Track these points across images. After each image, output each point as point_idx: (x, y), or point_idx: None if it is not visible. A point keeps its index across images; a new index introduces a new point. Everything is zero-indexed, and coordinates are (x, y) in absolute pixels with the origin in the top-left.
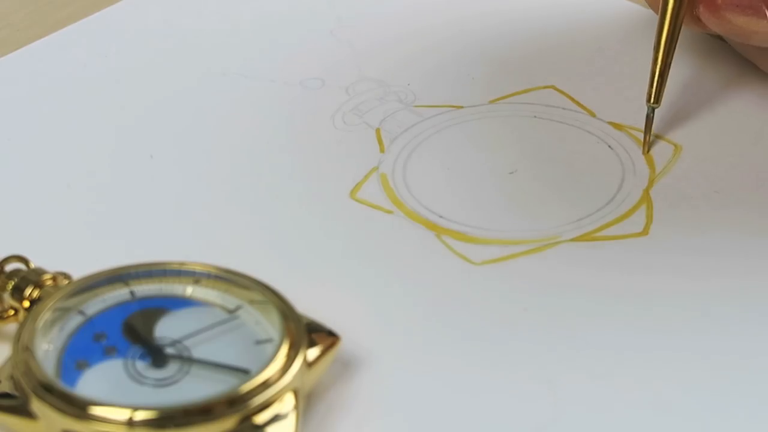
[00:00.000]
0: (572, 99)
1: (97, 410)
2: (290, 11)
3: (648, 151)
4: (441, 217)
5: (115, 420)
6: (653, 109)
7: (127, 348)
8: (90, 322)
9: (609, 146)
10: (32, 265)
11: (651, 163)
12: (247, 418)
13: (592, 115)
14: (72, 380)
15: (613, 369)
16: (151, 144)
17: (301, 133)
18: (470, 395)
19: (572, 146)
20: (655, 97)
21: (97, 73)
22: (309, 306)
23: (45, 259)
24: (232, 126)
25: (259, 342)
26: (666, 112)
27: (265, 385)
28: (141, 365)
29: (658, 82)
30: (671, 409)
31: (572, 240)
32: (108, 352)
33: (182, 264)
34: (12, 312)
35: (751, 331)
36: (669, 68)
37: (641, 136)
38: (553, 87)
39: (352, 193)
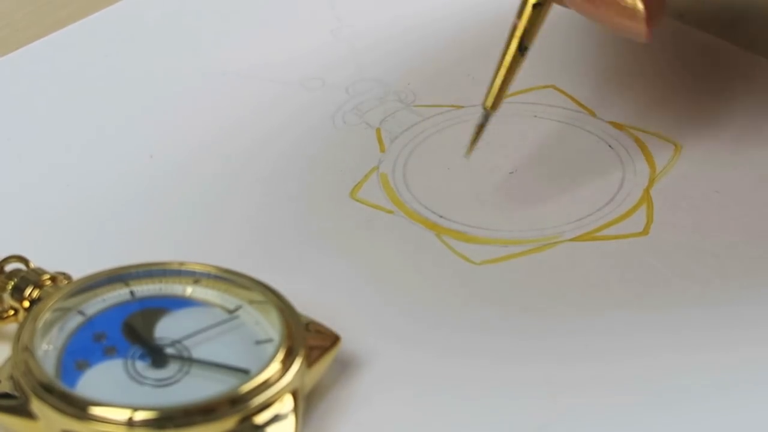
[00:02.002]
0: (572, 98)
1: (97, 410)
2: (290, 11)
3: (470, 153)
4: (441, 217)
5: (115, 420)
6: (488, 116)
7: (127, 348)
8: (90, 322)
9: (609, 146)
10: (32, 265)
11: (651, 163)
12: (247, 418)
13: (592, 114)
14: (72, 380)
15: (613, 369)
16: (151, 144)
17: (301, 133)
18: (470, 395)
19: (572, 146)
20: (494, 102)
21: (97, 73)
22: (309, 306)
23: (45, 259)
24: (232, 126)
25: (259, 342)
26: (666, 112)
27: (265, 385)
28: (141, 365)
29: (500, 87)
30: (672, 409)
31: (572, 240)
32: (108, 353)
33: (182, 264)
34: (12, 312)
35: (752, 330)
36: (514, 77)
37: (642, 135)
38: (553, 87)
39: (352, 193)
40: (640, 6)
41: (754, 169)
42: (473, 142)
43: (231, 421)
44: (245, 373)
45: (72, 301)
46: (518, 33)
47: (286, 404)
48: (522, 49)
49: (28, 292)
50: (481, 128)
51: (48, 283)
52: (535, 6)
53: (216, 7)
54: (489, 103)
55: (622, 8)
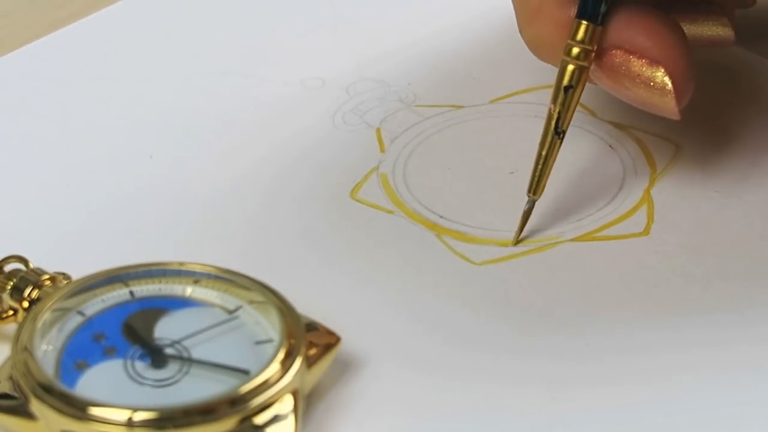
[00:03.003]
0: None
1: (96, 411)
2: (290, 11)
3: (516, 241)
4: (441, 217)
5: (114, 420)
6: (534, 202)
7: (127, 348)
8: (89, 322)
9: (610, 146)
10: (31, 266)
11: (652, 163)
12: (247, 418)
13: (593, 114)
14: (71, 381)
15: (613, 369)
16: (151, 144)
17: (301, 133)
18: (470, 395)
19: (573, 146)
20: (535, 188)
21: (97, 73)
22: (309, 306)
23: (44, 259)
24: (232, 126)
25: (258, 342)
26: None
27: (265, 385)
28: (140, 366)
29: (539, 174)
30: (671, 409)
31: (572, 240)
32: (107, 353)
33: (182, 264)
34: (11, 312)
35: (752, 330)
36: (554, 161)
37: (642, 136)
38: None
39: (352, 193)
40: (669, 86)
41: (754, 169)
42: (520, 230)
43: (231, 422)
44: (245, 374)
45: (71, 301)
46: (554, 117)
47: (286, 404)
48: (558, 132)
49: (27, 292)
50: (527, 215)
51: (47, 283)
52: (566, 89)
53: (216, 7)
54: (532, 190)
55: (651, 88)
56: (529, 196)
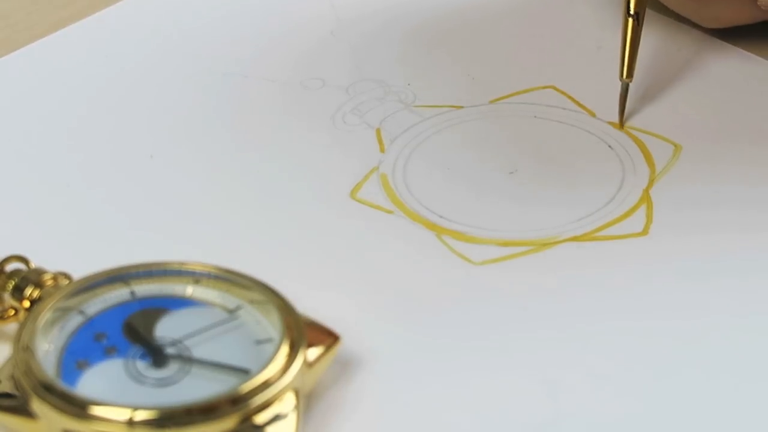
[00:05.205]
0: (572, 99)
1: (97, 410)
2: (290, 11)
3: (623, 124)
4: (441, 217)
5: (115, 420)
6: (627, 84)
7: (128, 348)
8: (90, 321)
9: (609, 146)
10: (32, 265)
11: (651, 163)
12: (248, 417)
13: (592, 115)
14: (72, 380)
15: (612, 369)
16: (151, 144)
17: (301, 133)
18: (470, 395)
19: (572, 146)
20: (628, 72)
21: (97, 73)
22: (309, 306)
23: (45, 259)
24: (233, 126)
25: (259, 342)
26: (666, 112)
27: (266, 384)
28: (141, 365)
29: (629, 58)
30: (671, 409)
31: (572, 240)
32: (108, 352)
33: (182, 264)
34: (12, 312)
35: (750, 332)
36: (638, 45)
37: (642, 136)
38: (553, 87)
39: (352, 193)
40: None
41: (754, 169)
42: (622, 113)
43: (231, 421)
44: (246, 373)
45: (72, 300)
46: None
47: (286, 404)
48: (633, 16)
49: (28, 291)
50: (624, 97)
51: (48, 282)
52: None
53: (216, 7)
54: (624, 74)
55: None
56: (621, 80)
